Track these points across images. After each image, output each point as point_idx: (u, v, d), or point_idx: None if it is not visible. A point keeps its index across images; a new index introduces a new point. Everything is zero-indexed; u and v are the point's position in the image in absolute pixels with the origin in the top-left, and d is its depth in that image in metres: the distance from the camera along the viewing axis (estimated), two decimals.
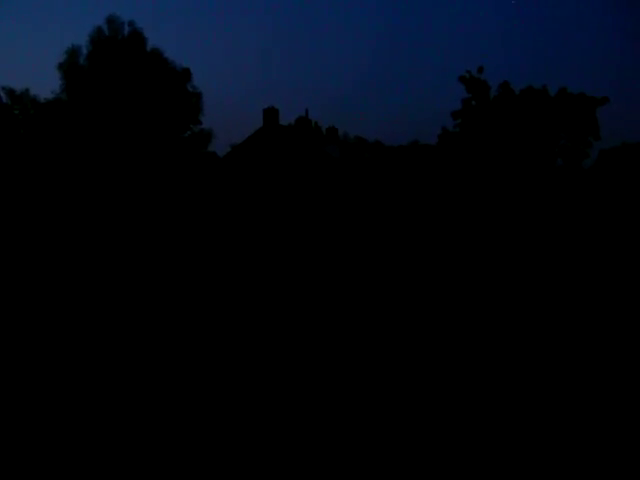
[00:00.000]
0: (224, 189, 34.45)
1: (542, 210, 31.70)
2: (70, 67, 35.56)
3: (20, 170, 34.26)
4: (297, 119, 38.12)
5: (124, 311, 11.97)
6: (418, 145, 39.81)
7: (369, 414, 6.47)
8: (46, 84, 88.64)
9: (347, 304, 12.98)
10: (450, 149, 36.39)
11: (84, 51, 35.82)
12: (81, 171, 34.35)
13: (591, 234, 27.68)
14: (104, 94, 34.99)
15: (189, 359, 8.64)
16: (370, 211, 31.53)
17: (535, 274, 17.52)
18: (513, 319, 11.39)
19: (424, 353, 8.99)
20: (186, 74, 37.08)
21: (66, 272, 17.31)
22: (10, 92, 35.85)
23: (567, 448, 5.65)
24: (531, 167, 35.26)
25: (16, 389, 7.24)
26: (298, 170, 33.05)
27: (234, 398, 6.99)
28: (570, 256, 22.12)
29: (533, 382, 7.56)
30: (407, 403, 6.83)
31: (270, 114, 34.22)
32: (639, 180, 33.92)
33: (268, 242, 26.96)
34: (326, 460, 5.43)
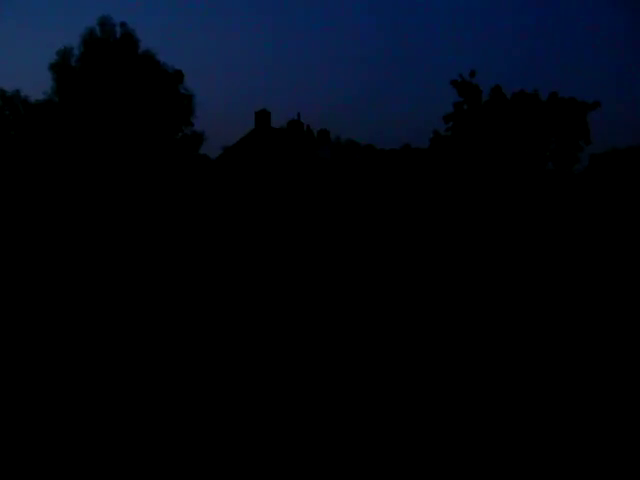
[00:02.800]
0: (216, 191, 34.38)
1: (533, 214, 31.79)
2: (62, 68, 35.49)
3: (10, 171, 34.11)
4: (289, 122, 38.15)
5: (114, 313, 11.88)
6: (410, 148, 39.87)
7: (369, 414, 6.44)
8: (38, 85, 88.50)
9: (339, 304, 12.95)
10: (442, 153, 36.47)
11: (76, 52, 35.82)
12: (72, 173, 34.22)
13: (582, 238, 27.77)
14: (96, 96, 34.92)
15: (188, 359, 8.60)
16: (361, 213, 31.53)
17: (526, 278, 17.54)
18: (504, 322, 11.37)
19: (422, 353, 8.96)
20: (178, 76, 37.09)
21: (57, 273, 17.19)
22: (1, 93, 35.70)
23: (567, 447, 5.64)
24: (522, 171, 35.37)
25: (16, 389, 7.19)
26: (290, 172, 33.04)
27: (234, 398, 6.96)
28: (561, 260, 22.17)
29: (533, 382, 7.56)
30: (407, 403, 6.81)
31: (262, 117, 34.26)
32: (630, 185, 34.10)
33: (260, 243, 26.90)
34: (326, 460, 5.40)
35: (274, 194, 32.66)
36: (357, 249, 25.18)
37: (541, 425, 6.16)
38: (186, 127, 37.91)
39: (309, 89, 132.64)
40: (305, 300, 13.79)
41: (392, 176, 35.69)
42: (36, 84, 53.27)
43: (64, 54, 35.66)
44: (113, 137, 34.96)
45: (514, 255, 23.23)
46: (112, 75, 35.16)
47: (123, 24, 36.23)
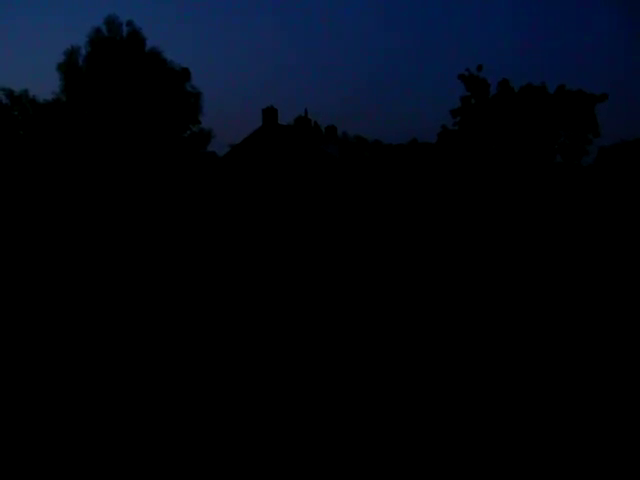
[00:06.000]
0: (224, 189, 34.46)
1: (542, 207, 31.72)
2: (69, 68, 35.56)
3: (20, 171, 34.27)
4: (296, 118, 38.13)
5: (123, 311, 11.96)
6: (417, 143, 39.81)
7: (369, 414, 6.45)
8: (46, 85, 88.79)
9: (347, 303, 12.98)
10: (449, 147, 36.43)
11: (83, 52, 35.88)
12: (81, 172, 34.36)
13: (591, 231, 27.68)
14: (103, 95, 35.01)
15: (189, 359, 8.63)
16: (370, 210, 31.55)
17: (534, 272, 17.53)
18: (512, 318, 11.40)
19: (424, 352, 8.99)
20: (185, 74, 37.09)
21: (66, 272, 17.31)
22: (9, 93, 35.81)
23: (567, 448, 5.64)
24: (530, 164, 35.30)
25: (16, 389, 7.22)
26: (297, 169, 33.06)
27: (234, 398, 6.98)
28: (570, 254, 22.12)
29: (533, 381, 7.55)
30: (407, 403, 6.82)
31: (269, 114, 34.22)
32: (639, 177, 33.95)
33: (268, 241, 26.96)
34: (326, 460, 5.42)
35: (282, 191, 32.71)
36: (366, 245, 25.20)
37: (541, 424, 6.15)
38: (193, 125, 37.97)
39: (316, 85, 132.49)
40: (313, 298, 13.82)
41: (400, 171, 35.66)
42: (44, 84, 53.42)
43: (71, 54, 35.73)
44: (121, 136, 35.06)
45: (523, 248, 23.19)
46: (119, 74, 35.22)
47: (129, 23, 36.26)
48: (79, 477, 5.12)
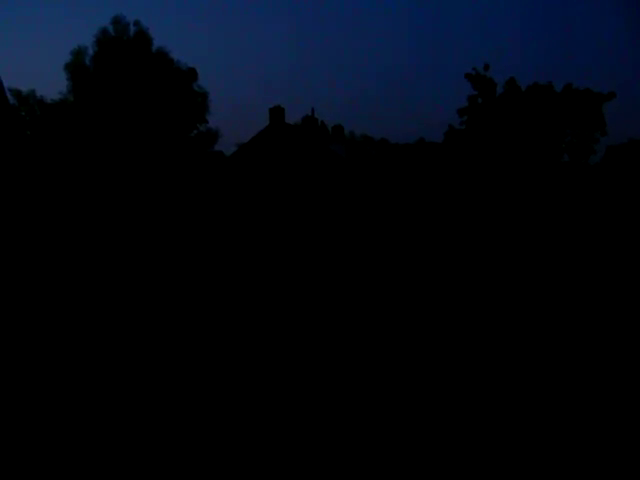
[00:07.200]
0: (231, 188, 34.48)
1: (549, 206, 31.66)
2: (76, 68, 35.62)
3: (27, 171, 34.32)
4: (303, 118, 38.13)
5: (129, 311, 11.94)
6: (424, 143, 39.80)
7: (369, 414, 6.41)
8: (53, 85, 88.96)
9: (354, 304, 12.96)
10: (456, 146, 36.41)
11: (90, 52, 35.94)
12: (88, 172, 34.41)
13: (599, 230, 27.63)
14: (110, 94, 35.05)
15: (191, 358, 8.58)
16: (377, 210, 31.53)
17: (542, 271, 17.50)
18: (520, 314, 11.38)
19: (431, 352, 8.96)
20: (192, 74, 37.13)
21: (72, 273, 17.32)
22: (17, 93, 35.87)
23: (567, 448, 5.60)
24: (537, 164, 35.24)
25: (16, 390, 7.19)
26: (304, 168, 33.07)
27: (234, 398, 6.95)
28: (578, 252, 22.08)
29: (533, 381, 7.50)
30: (407, 403, 6.78)
31: (276, 113, 34.22)
32: None
33: (275, 242, 26.98)
34: (326, 460, 5.39)
35: (289, 190, 32.71)
36: (372, 245, 25.20)
37: (541, 425, 6.10)
38: (201, 124, 38.01)
39: (323, 85, 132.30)
40: (320, 297, 13.80)
41: (407, 171, 35.64)
42: (52, 84, 53.43)
43: (78, 54, 35.79)
44: (128, 135, 35.10)
45: (531, 247, 23.15)
46: (126, 74, 35.26)
47: (136, 23, 36.30)
48: (79, 477, 5.11)
